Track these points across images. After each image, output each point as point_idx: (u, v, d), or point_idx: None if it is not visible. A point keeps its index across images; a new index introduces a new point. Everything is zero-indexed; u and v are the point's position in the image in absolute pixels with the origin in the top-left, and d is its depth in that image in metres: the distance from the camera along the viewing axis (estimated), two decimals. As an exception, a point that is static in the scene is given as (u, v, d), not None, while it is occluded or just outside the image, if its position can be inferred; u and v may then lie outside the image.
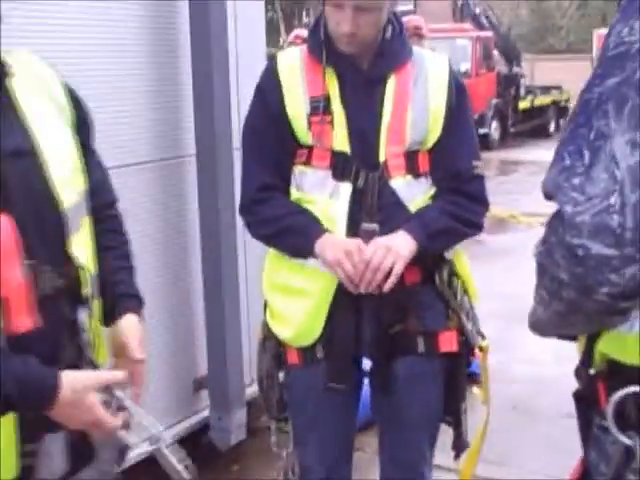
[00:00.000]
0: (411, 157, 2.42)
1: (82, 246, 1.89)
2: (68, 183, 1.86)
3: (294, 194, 2.47)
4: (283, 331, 2.53)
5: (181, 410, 4.01)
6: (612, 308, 1.32)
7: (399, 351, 2.48)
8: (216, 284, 3.89)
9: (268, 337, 2.60)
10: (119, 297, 2.03)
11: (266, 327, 2.60)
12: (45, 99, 1.90)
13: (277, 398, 2.64)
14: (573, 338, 1.55)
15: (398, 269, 2.33)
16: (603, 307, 1.31)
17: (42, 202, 1.80)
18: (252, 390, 4.20)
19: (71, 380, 1.71)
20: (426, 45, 8.50)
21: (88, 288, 1.88)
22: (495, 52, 19.31)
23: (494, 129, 18.89)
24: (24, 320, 1.73)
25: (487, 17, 19.88)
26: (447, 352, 2.51)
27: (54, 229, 1.82)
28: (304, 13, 28.98)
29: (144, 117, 3.66)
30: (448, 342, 2.50)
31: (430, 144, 2.44)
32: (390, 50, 2.44)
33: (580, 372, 1.53)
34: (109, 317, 2.00)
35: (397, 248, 2.34)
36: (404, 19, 8.31)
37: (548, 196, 1.33)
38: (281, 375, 2.62)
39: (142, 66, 3.62)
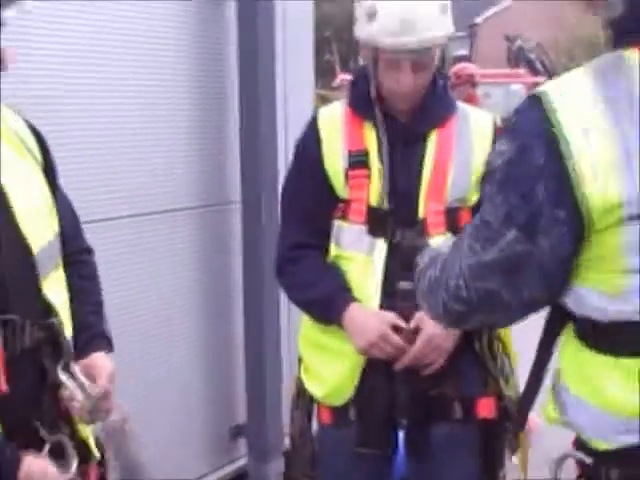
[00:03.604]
0: (452, 214, 2.39)
1: (56, 290, 1.88)
2: (39, 227, 1.85)
3: (333, 250, 2.45)
4: (315, 389, 2.51)
5: (218, 458, 3.98)
6: None
7: (435, 415, 2.42)
8: (257, 333, 3.88)
9: (301, 393, 2.57)
10: (90, 338, 2.00)
11: (300, 383, 2.58)
12: (14, 144, 1.88)
13: (309, 454, 2.60)
14: None
15: (439, 364, 2.36)
16: None
17: (13, 249, 1.79)
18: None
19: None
20: (479, 91, 8.53)
21: (64, 335, 1.87)
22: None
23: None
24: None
25: (542, 62, 19.81)
26: (485, 418, 2.45)
27: (27, 275, 1.81)
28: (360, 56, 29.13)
29: (192, 163, 3.68)
30: (486, 408, 2.44)
31: (472, 202, 2.40)
32: (433, 106, 2.41)
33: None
34: (80, 357, 1.96)
35: (445, 345, 2.34)
36: (458, 66, 8.31)
37: None
38: (314, 430, 2.59)
39: (189, 107, 3.67)
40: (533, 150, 1.37)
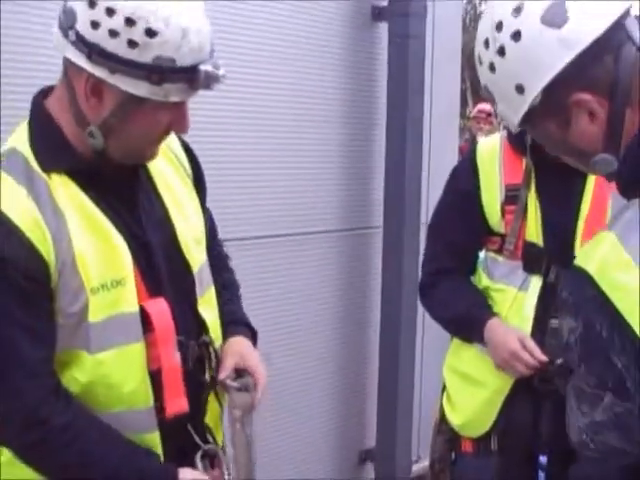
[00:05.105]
0: None
1: (209, 307, 1.92)
2: (197, 248, 1.89)
3: (483, 280, 2.46)
4: (454, 418, 2.52)
5: (345, 480, 4.01)
6: None
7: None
8: (392, 357, 3.89)
9: (444, 420, 2.57)
10: (230, 323, 2.02)
11: (442, 410, 2.58)
12: (171, 161, 1.93)
13: None
14: None
15: None
16: None
17: (178, 269, 1.84)
18: (418, 467, 4.15)
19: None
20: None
21: (217, 351, 1.90)
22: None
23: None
24: (178, 403, 1.78)
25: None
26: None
27: (188, 295, 1.86)
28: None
29: (338, 187, 3.76)
30: None
31: None
32: None
33: None
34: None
35: None
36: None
37: None
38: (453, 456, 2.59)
39: (338, 133, 3.75)
40: (596, 325, 1.43)
